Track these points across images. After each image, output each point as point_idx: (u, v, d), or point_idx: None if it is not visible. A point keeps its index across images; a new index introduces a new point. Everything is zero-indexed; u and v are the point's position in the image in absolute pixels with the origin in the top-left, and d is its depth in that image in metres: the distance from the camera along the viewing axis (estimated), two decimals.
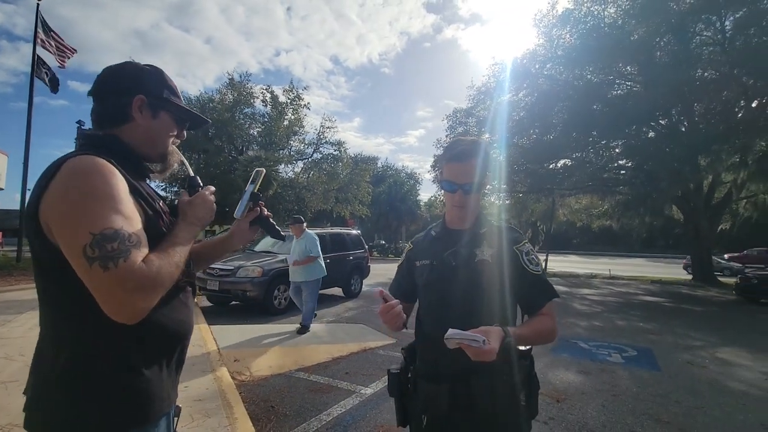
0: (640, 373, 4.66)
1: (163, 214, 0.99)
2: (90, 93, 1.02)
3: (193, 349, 4.65)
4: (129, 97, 1.00)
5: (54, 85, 8.59)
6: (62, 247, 0.80)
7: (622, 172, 17.40)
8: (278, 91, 25.11)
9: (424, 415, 1.29)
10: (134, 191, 0.91)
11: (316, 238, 6.11)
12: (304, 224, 6.23)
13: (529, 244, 1.34)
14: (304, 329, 5.95)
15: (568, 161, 17.79)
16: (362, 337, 5.87)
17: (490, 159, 1.36)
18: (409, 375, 1.38)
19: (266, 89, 24.71)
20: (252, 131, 25.35)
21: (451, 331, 1.05)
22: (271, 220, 1.24)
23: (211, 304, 8.07)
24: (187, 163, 1.17)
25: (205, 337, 5.22)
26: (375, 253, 31.75)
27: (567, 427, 3.22)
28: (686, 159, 12.57)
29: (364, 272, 10.52)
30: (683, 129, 15.00)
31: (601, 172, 16.87)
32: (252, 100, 24.77)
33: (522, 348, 1.26)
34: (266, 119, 25.14)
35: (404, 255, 1.53)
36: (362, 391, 3.82)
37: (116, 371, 0.88)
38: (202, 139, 23.16)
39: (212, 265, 7.79)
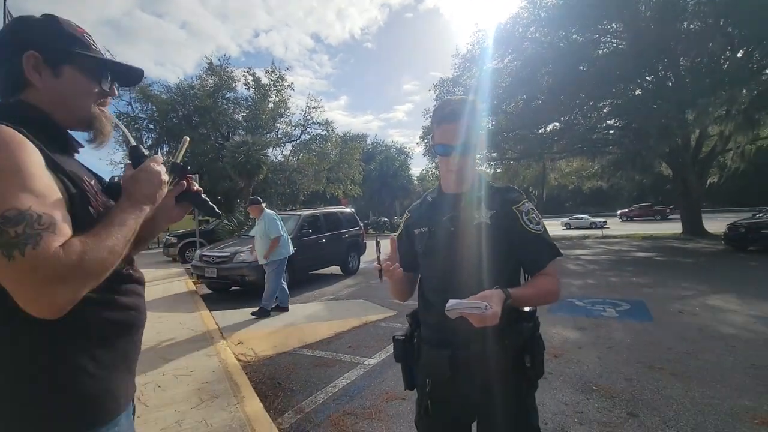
0: (634, 325, 4.81)
1: (92, 195, 0.85)
2: None
3: (196, 335, 4.72)
4: (17, 57, 0.84)
5: None
6: None
7: (611, 132, 17.43)
8: (260, 73, 24.57)
9: (427, 379, 1.32)
10: (53, 166, 0.77)
11: (276, 217, 5.95)
12: (263, 204, 6.11)
13: (529, 203, 1.30)
14: (262, 312, 5.70)
15: (557, 125, 17.76)
16: (363, 312, 5.96)
17: (480, 116, 1.32)
18: (414, 341, 1.38)
19: (247, 72, 24.17)
20: (237, 116, 24.88)
21: (450, 303, 1.04)
22: (203, 195, 1.11)
23: (211, 291, 8.13)
24: (126, 131, 1.02)
25: (207, 323, 5.28)
26: (370, 230, 31.87)
27: (565, 380, 3.34)
28: (673, 114, 12.57)
29: (361, 249, 10.61)
30: (670, 84, 14.94)
31: (590, 133, 16.86)
32: (233, 84, 24.22)
33: (526, 309, 1.25)
34: (250, 103, 24.64)
35: (402, 224, 1.50)
36: (366, 363, 3.91)
37: (60, 373, 0.78)
38: (186, 128, 22.72)
39: (208, 253, 7.82)
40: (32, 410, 0.76)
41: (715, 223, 16.86)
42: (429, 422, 1.34)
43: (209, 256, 7.70)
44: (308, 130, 26.24)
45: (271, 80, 24.45)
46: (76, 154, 0.95)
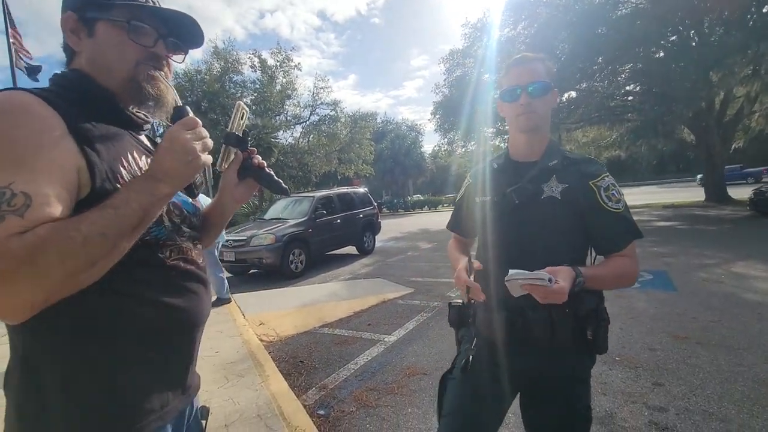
0: (657, 295, 4.73)
1: (131, 173, 0.74)
2: None
3: (219, 317, 4.83)
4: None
5: (33, 71, 8.27)
6: None
7: (630, 98, 16.76)
8: (266, 54, 24.36)
9: (476, 339, 1.25)
10: (80, 137, 0.67)
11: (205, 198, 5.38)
12: None
13: (609, 177, 1.17)
14: (219, 301, 5.32)
15: (573, 93, 17.14)
16: (380, 290, 6.00)
17: (552, 73, 1.23)
18: (470, 310, 1.32)
19: (253, 54, 23.98)
20: (245, 99, 24.82)
21: (512, 272, 0.97)
22: (268, 170, 0.98)
23: (230, 275, 8.29)
24: (173, 90, 0.86)
25: (228, 305, 5.40)
26: (384, 209, 31.88)
27: None
28: (698, 77, 11.98)
29: (376, 229, 10.64)
30: (693, 44, 14.18)
31: (609, 100, 16.26)
32: (240, 67, 24.11)
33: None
34: (258, 86, 24.54)
35: (463, 189, 1.43)
36: (386, 339, 3.96)
37: (74, 385, 0.68)
38: (195, 114, 22.72)
39: (225, 237, 7.92)
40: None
41: (739, 190, 16.30)
42: (461, 380, 1.24)
43: (226, 240, 7.81)
44: (317, 110, 26.14)
45: (277, 61, 24.25)
46: (141, 131, 0.86)
